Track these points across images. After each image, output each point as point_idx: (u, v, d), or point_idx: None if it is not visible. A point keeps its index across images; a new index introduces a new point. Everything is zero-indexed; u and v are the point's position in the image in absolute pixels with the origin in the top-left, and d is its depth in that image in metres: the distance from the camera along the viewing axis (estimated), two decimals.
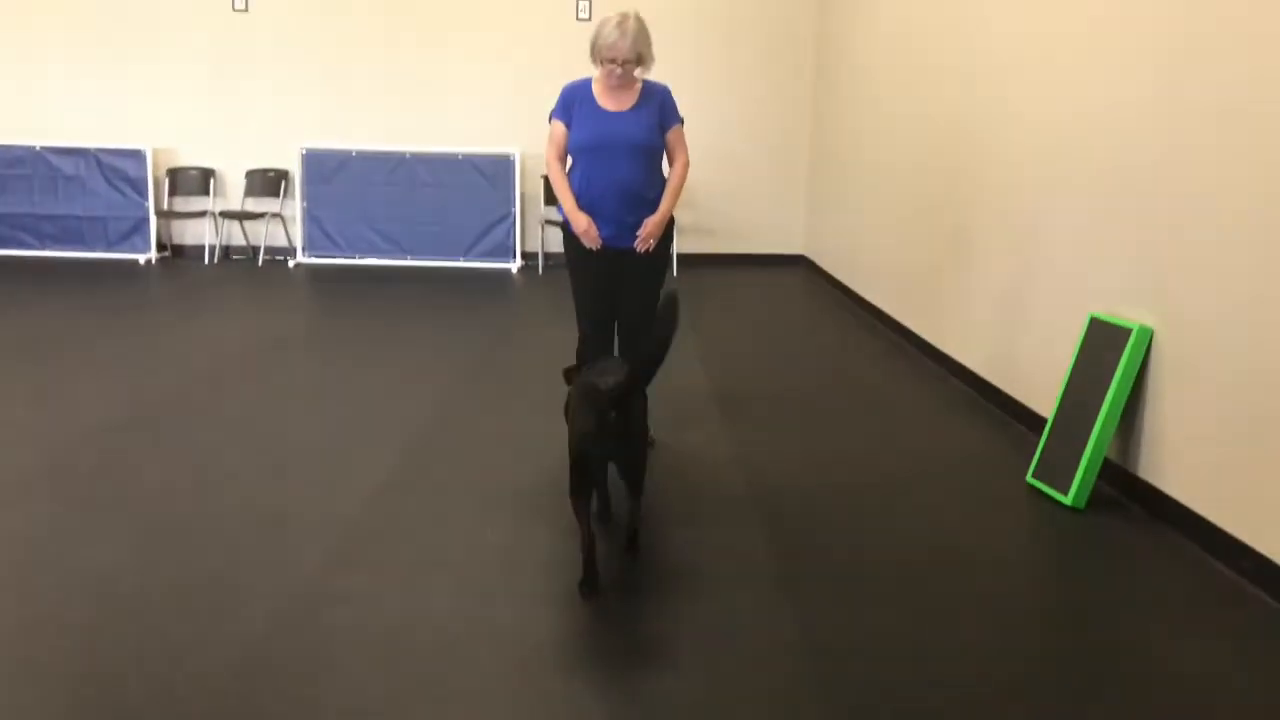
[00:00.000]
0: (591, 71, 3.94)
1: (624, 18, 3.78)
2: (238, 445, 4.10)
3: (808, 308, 7.77)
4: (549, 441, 4.03)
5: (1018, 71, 4.69)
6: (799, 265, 9.76)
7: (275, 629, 2.62)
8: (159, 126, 9.40)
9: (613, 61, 3.78)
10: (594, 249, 3.96)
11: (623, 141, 3.87)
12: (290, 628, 2.63)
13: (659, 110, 3.93)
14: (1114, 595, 2.97)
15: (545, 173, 9.22)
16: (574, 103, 3.92)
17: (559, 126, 3.95)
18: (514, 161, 9.16)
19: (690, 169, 4.09)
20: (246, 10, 9.27)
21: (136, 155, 9.18)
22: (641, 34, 3.79)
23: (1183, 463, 3.37)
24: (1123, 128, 3.75)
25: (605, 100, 3.90)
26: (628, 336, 4.08)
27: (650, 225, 3.93)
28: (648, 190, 3.95)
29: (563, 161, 4.01)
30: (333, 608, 2.74)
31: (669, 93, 3.99)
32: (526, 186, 9.37)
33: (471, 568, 3.02)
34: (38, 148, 9.15)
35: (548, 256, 9.40)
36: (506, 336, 6.38)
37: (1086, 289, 4.00)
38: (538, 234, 9.42)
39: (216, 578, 2.90)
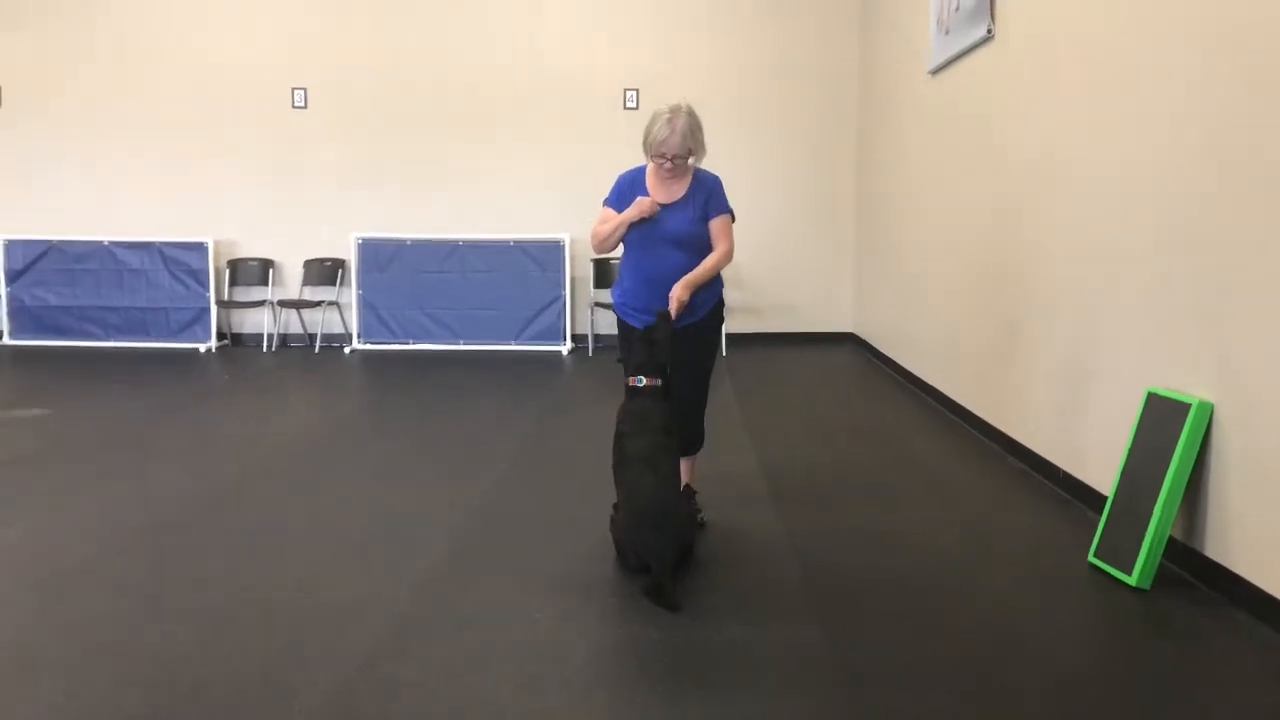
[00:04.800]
0: (643, 159, 4.03)
1: (675, 113, 3.83)
2: (292, 532, 4.14)
3: (858, 384, 7.72)
4: (598, 525, 4.02)
5: (1067, 144, 4.70)
6: (848, 343, 9.74)
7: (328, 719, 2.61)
8: (221, 220, 9.73)
9: (662, 156, 3.85)
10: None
11: (668, 234, 3.94)
12: (343, 718, 2.62)
13: (705, 202, 3.98)
14: (1185, 680, 2.86)
15: (594, 256, 9.44)
16: (628, 193, 4.00)
17: (609, 213, 4.01)
18: (564, 246, 9.32)
19: (739, 249, 4.12)
20: (306, 108, 9.62)
21: (199, 248, 9.50)
22: (691, 129, 3.85)
23: (1252, 541, 3.27)
24: (1175, 199, 3.73)
25: (657, 191, 3.98)
26: (677, 416, 4.07)
27: (676, 287, 3.86)
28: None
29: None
30: (385, 697, 2.73)
31: (719, 184, 4.04)
32: (576, 270, 9.51)
33: (522, 655, 2.99)
34: (105, 243, 9.50)
35: (598, 338, 9.49)
36: (556, 418, 6.42)
37: (1144, 364, 3.94)
38: (587, 317, 9.53)
39: (269, 666, 2.91)
